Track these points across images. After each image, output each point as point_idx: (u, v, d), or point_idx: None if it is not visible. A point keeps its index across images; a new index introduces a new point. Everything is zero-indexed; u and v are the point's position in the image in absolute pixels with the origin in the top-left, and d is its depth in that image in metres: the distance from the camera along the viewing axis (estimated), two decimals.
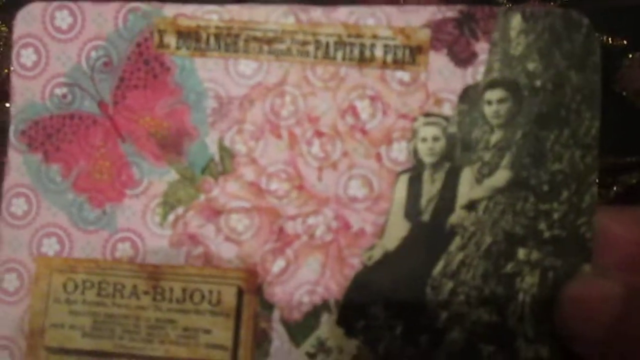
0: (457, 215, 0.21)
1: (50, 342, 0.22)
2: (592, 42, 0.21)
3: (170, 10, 0.22)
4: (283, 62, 0.22)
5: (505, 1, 0.32)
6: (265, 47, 0.22)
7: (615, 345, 0.19)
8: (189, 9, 0.22)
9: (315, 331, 0.21)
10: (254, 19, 0.22)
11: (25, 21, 0.22)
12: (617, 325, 0.19)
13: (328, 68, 0.22)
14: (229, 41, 0.22)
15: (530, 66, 0.21)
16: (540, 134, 0.21)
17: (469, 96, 0.21)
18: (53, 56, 0.22)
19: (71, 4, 0.22)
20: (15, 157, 0.22)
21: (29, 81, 0.22)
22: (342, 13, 0.22)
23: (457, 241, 0.21)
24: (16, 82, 0.23)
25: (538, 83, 0.21)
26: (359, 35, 0.21)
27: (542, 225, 0.21)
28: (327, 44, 0.22)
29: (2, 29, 0.23)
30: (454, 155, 0.21)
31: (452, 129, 0.21)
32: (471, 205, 0.21)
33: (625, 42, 0.20)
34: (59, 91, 0.22)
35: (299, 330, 0.21)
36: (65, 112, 0.22)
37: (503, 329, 0.21)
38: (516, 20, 0.21)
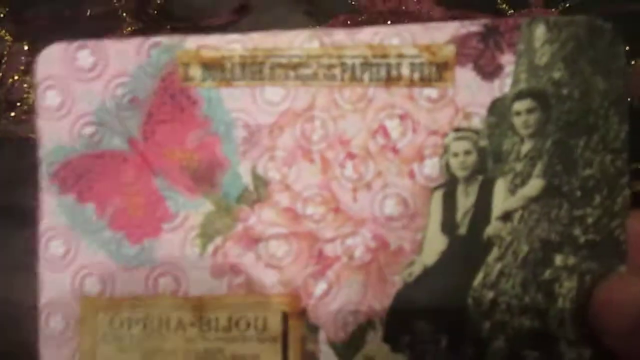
0: (494, 227, 0.21)
1: None
2: (616, 47, 0.21)
3: (192, 42, 0.22)
4: (310, 87, 0.22)
5: (506, 8, 0.32)
6: (292, 73, 0.22)
7: None
8: (211, 39, 0.22)
9: (361, 349, 0.22)
10: (277, 45, 0.22)
11: (46, 63, 0.22)
12: None
13: (356, 90, 0.22)
14: (254, 69, 0.22)
15: (556, 75, 0.21)
16: (570, 141, 0.21)
17: (498, 108, 0.21)
18: (78, 96, 0.22)
19: (92, 43, 0.22)
20: (48, 200, 0.23)
21: (56, 122, 0.22)
22: (366, 34, 0.22)
23: (494, 252, 0.21)
24: (42, 125, 0.22)
25: (565, 91, 0.21)
26: (384, 55, 0.22)
27: (577, 231, 0.21)
28: (353, 66, 0.22)
29: (7, 37, 0.22)
30: (486, 167, 0.22)
31: (483, 142, 0.22)
32: (506, 216, 0.21)
33: (627, 47, 0.21)
34: (86, 131, 0.22)
35: (345, 349, 0.22)
36: (95, 151, 0.22)
37: (545, 334, 0.21)
38: (540, 31, 0.21)
